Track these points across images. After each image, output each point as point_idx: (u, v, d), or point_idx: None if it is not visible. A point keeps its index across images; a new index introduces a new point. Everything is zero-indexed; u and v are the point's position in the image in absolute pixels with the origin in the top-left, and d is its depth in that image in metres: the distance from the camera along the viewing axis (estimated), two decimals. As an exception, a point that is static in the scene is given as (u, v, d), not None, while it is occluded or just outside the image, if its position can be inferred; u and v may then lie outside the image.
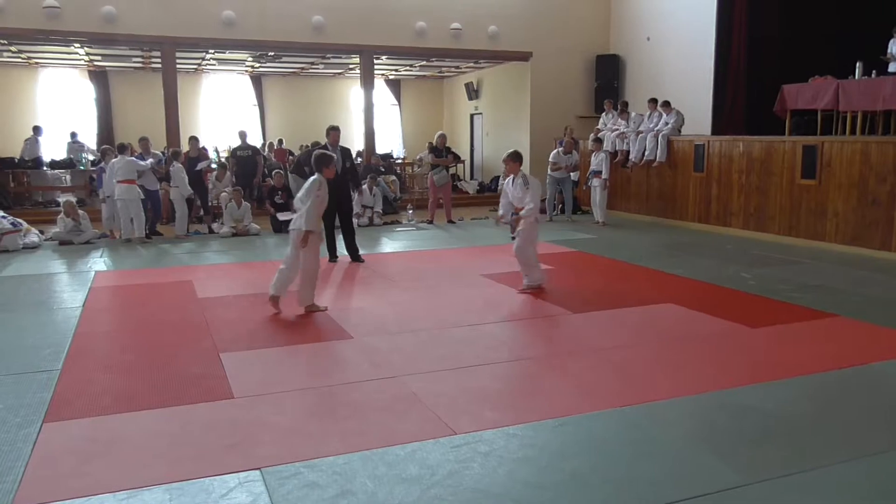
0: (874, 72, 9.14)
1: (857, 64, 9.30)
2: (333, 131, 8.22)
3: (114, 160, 9.64)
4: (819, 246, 8.89)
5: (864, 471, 3.08)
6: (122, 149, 9.78)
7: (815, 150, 8.98)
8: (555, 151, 12.12)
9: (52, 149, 15.13)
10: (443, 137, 11.83)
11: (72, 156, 14.46)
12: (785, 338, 5.08)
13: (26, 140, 14.47)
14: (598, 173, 11.46)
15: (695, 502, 2.81)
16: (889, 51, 8.92)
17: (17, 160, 13.83)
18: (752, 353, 4.75)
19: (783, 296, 6.34)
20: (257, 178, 11.76)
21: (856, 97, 9.10)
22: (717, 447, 3.31)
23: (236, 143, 12.38)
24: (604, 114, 12.83)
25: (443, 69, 17.89)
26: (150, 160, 10.21)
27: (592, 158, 11.69)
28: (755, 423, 3.58)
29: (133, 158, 9.77)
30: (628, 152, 12.02)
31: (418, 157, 17.34)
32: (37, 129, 14.75)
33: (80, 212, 9.81)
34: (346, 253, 8.34)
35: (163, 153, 11.03)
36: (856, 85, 9.15)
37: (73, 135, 15.13)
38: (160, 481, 2.96)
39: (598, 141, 11.85)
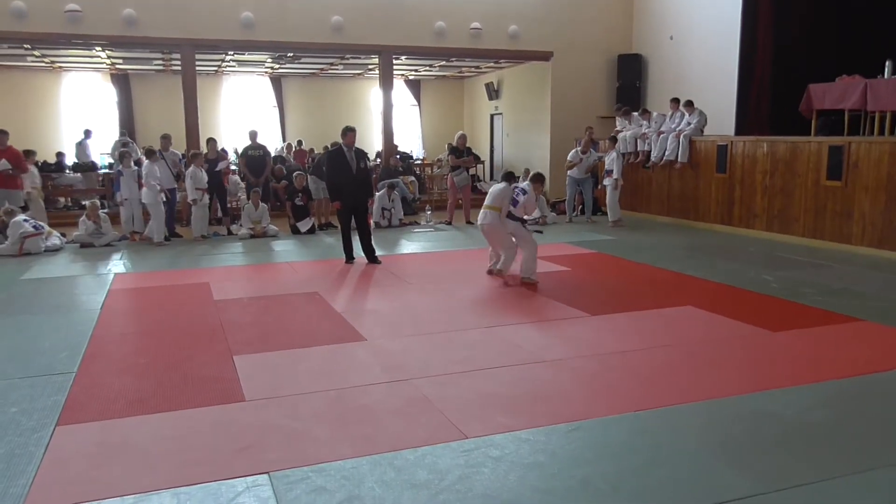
0: (903, 70, 8.92)
1: (886, 63, 9.07)
2: (350, 132, 8.23)
3: (146, 163, 9.83)
4: (845, 249, 8.69)
5: (882, 482, 2.98)
6: (151, 153, 9.96)
7: (841, 150, 8.78)
8: (573, 151, 12.03)
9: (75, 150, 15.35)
10: (463, 138, 11.80)
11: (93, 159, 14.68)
12: (807, 342, 4.96)
13: (78, 143, 14.69)
14: (610, 173, 11.35)
15: (709, 512, 2.74)
16: (919, 48, 8.71)
17: (70, 164, 14.07)
18: (772, 358, 4.64)
19: (807, 299, 6.20)
20: (264, 175, 11.72)
21: (884, 97, 8.88)
22: (732, 455, 3.23)
23: (247, 142, 12.18)
24: (617, 118, 12.77)
25: (463, 69, 17.85)
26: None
27: (605, 158, 11.61)
28: (772, 431, 3.49)
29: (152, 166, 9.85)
30: (649, 153, 11.89)
31: (438, 158, 17.32)
32: (87, 133, 14.97)
33: (101, 214, 9.93)
34: (362, 254, 8.32)
35: (182, 155, 11.09)
36: (884, 84, 8.94)
37: (88, 132, 15.25)
38: (169, 485, 2.96)
39: (613, 140, 11.73)
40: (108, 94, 17.21)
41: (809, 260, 8.15)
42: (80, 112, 16.87)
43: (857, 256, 8.29)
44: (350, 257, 8.30)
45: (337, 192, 8.22)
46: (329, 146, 11.94)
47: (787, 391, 4.00)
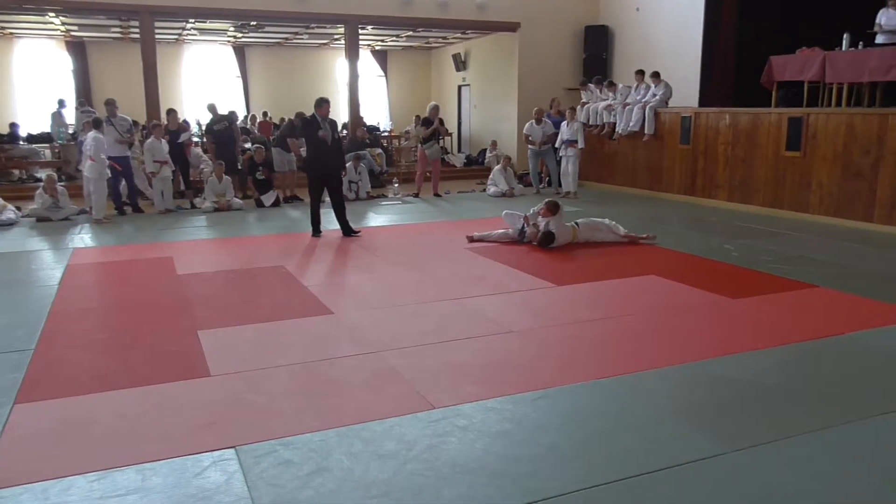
0: (861, 43, 9.06)
1: (844, 35, 9.21)
2: (325, 103, 8.10)
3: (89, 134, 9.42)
4: (803, 218, 8.90)
5: (836, 439, 3.10)
6: (98, 123, 9.56)
7: (800, 122, 8.95)
8: (528, 124, 12.02)
9: (32, 121, 14.86)
10: (435, 109, 11.63)
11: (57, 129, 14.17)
12: (765, 308, 5.09)
13: (53, 114, 14.10)
14: (573, 142, 11.33)
15: (671, 472, 2.82)
16: (878, 21, 8.84)
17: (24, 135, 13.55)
18: (733, 324, 4.76)
19: (765, 267, 6.35)
20: (237, 146, 11.44)
21: (842, 69, 9.04)
22: (695, 418, 3.32)
23: (208, 117, 11.76)
24: (582, 92, 12.85)
25: (430, 40, 17.63)
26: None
27: (565, 127, 11.47)
28: (733, 394, 3.59)
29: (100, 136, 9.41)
30: (615, 125, 11.94)
31: (405, 130, 17.17)
32: (62, 102, 14.27)
33: (59, 187, 9.65)
34: (331, 227, 8.24)
35: (137, 124, 10.66)
36: (842, 57, 9.09)
37: (62, 102, 14.71)
38: (132, 462, 2.93)
39: (572, 109, 11.74)
40: (64, 63, 16.61)
41: (769, 229, 8.33)
42: (33, 81, 16.26)
43: (815, 225, 8.50)
44: (317, 231, 8.22)
45: (312, 162, 8.06)
46: (294, 118, 11.70)
47: (746, 356, 4.11)
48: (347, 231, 8.19)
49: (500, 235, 7.74)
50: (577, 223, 7.55)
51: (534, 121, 11.89)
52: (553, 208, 7.32)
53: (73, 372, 3.99)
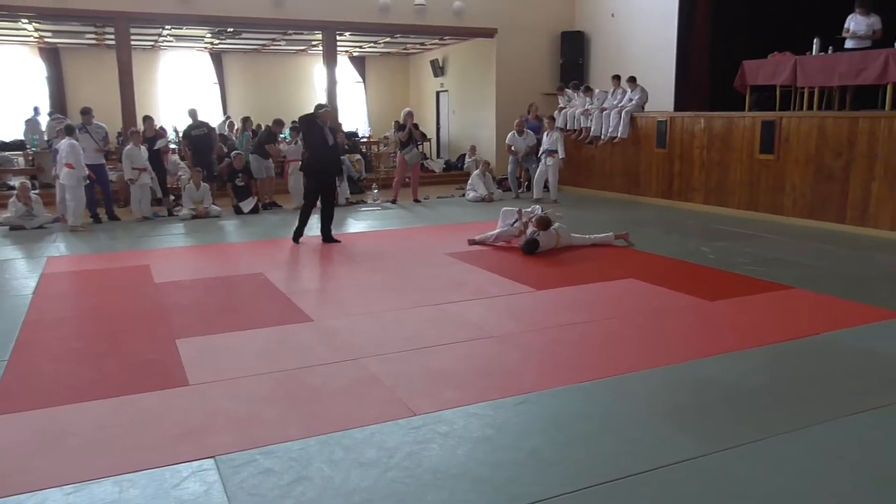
0: (830, 48, 9.23)
1: (815, 40, 9.38)
2: (326, 111, 8.09)
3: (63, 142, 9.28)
4: (778, 220, 9.03)
5: (817, 438, 3.14)
6: (70, 130, 9.42)
7: (773, 125, 9.08)
8: (510, 135, 12.11)
9: (4, 129, 14.61)
10: (410, 115, 11.67)
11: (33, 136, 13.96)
12: (743, 310, 5.15)
13: (27, 121, 13.81)
14: (553, 152, 11.39)
15: (655, 474, 2.83)
16: (846, 26, 9.01)
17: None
18: (712, 326, 4.81)
19: (742, 269, 6.43)
20: (214, 153, 11.38)
21: (813, 73, 9.20)
22: (678, 419, 3.35)
23: (188, 122, 11.72)
24: (560, 97, 12.96)
25: (408, 46, 17.64)
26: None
27: (545, 137, 11.57)
28: (715, 395, 3.63)
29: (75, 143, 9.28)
30: (590, 129, 12.04)
31: (384, 135, 17.15)
32: (36, 110, 14.10)
33: (33, 195, 9.50)
34: (313, 234, 8.18)
35: (118, 134, 10.62)
36: (813, 61, 9.25)
37: (37, 109, 14.52)
38: (109, 473, 2.88)
39: (551, 119, 11.84)
40: (37, 70, 16.36)
41: (745, 231, 8.44)
42: (6, 88, 15.99)
43: (789, 227, 8.62)
44: (299, 237, 8.14)
45: (312, 166, 7.96)
46: (271, 125, 11.64)
47: (727, 357, 4.15)
48: (328, 238, 8.14)
49: (500, 234, 7.73)
50: (558, 228, 7.57)
51: (515, 132, 11.96)
52: (544, 224, 7.34)
53: (48, 382, 3.92)
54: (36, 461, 3.02)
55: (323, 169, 7.92)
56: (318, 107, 8.12)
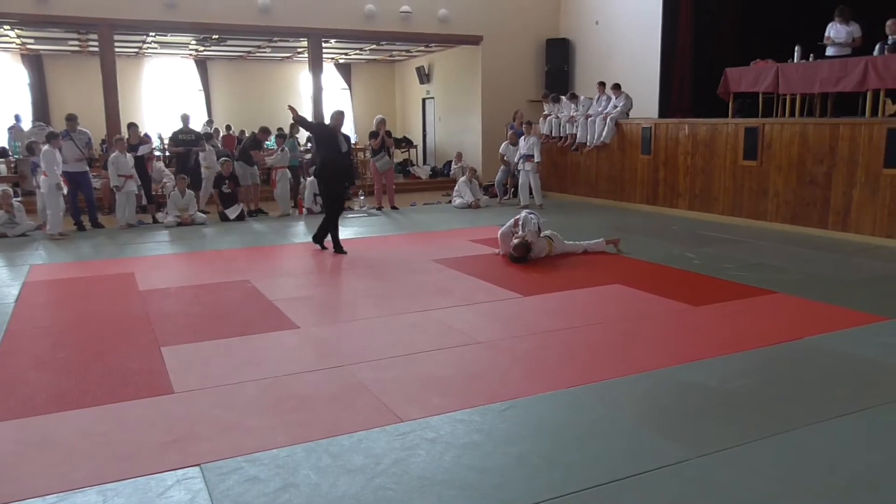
0: (811, 55, 9.37)
1: (796, 48, 9.51)
2: (339, 115, 8.11)
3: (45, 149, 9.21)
4: (761, 225, 9.13)
5: (800, 442, 3.16)
6: (52, 136, 9.34)
7: (756, 131, 9.19)
8: (503, 144, 12.19)
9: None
10: (382, 122, 11.62)
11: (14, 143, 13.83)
12: (727, 315, 5.20)
13: (10, 128, 13.65)
14: (529, 157, 11.43)
15: (640, 479, 2.84)
16: (827, 34, 9.14)
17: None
18: (697, 331, 4.84)
19: (726, 274, 6.49)
20: (191, 163, 11.36)
21: (794, 80, 9.32)
22: (663, 424, 3.37)
23: (173, 128, 11.73)
24: (545, 104, 13.05)
25: (393, 53, 17.68)
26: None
27: (522, 142, 11.60)
28: (699, 400, 3.66)
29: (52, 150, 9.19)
30: (576, 136, 12.12)
31: (369, 143, 17.14)
32: (17, 117, 14.01)
33: (15, 203, 9.40)
34: (299, 240, 8.16)
35: (102, 142, 10.56)
36: (794, 68, 9.38)
37: (18, 117, 14.40)
38: (93, 482, 2.85)
39: (528, 124, 11.92)
40: (20, 76, 16.22)
41: (729, 237, 8.52)
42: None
43: (772, 232, 8.72)
44: (340, 248, 7.87)
45: (325, 172, 7.86)
46: (256, 132, 11.61)
47: (710, 362, 4.18)
48: (318, 240, 8.08)
49: (502, 234, 7.60)
50: (549, 234, 7.53)
51: (509, 142, 12.04)
52: (523, 250, 7.12)
53: (31, 391, 3.88)
54: (19, 470, 2.98)
55: (335, 176, 7.91)
56: (338, 112, 8.12)
